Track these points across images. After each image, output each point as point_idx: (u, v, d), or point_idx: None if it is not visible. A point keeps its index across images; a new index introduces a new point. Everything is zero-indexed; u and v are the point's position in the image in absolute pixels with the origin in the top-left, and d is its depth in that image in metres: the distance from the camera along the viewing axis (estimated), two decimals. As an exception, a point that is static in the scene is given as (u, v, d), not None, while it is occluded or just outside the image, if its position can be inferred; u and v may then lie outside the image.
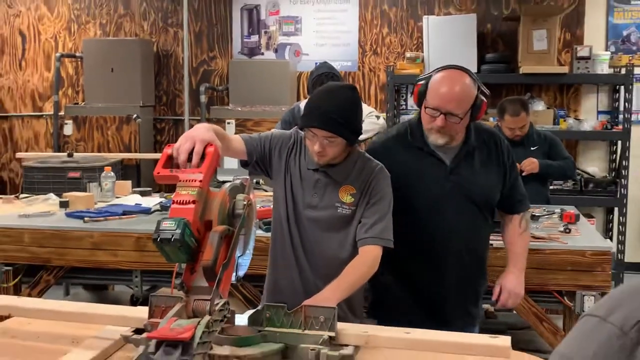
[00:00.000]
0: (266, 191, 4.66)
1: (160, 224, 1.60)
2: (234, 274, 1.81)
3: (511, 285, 2.58)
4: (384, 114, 6.30)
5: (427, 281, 2.56)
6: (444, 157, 2.50)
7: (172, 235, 1.57)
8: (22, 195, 4.60)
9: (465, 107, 2.38)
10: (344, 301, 2.29)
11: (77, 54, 7.03)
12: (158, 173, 1.82)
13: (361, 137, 4.58)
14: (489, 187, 2.55)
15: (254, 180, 4.80)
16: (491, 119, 5.70)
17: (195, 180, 1.70)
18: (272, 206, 3.54)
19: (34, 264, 3.72)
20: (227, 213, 1.73)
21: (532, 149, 4.59)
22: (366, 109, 4.63)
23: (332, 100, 2.26)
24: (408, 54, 6.49)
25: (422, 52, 6.41)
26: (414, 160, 2.51)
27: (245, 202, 1.75)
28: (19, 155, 6.85)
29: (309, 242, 2.39)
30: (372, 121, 4.57)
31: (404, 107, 6.72)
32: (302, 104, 4.58)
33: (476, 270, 2.62)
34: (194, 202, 1.65)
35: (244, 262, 1.87)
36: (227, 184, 1.79)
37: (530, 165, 4.48)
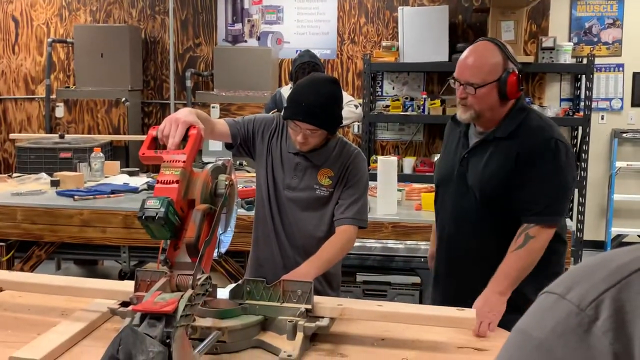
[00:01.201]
0: (249, 172, 4.65)
1: (145, 202, 1.58)
2: (216, 250, 1.80)
3: (475, 307, 2.01)
4: (361, 100, 6.28)
5: (437, 255, 2.43)
6: (472, 142, 2.28)
7: (156, 214, 1.56)
8: (15, 175, 4.55)
9: (483, 77, 2.13)
10: (322, 276, 2.30)
11: (68, 40, 6.92)
12: (143, 154, 1.80)
13: None
14: (487, 179, 2.19)
15: (238, 162, 4.78)
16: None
17: (178, 161, 1.69)
18: (253, 186, 3.54)
19: (26, 240, 3.70)
20: (209, 192, 1.71)
21: None
22: (346, 97, 4.60)
23: (315, 94, 2.24)
24: (384, 43, 6.47)
25: (397, 41, 6.39)
26: (455, 139, 2.36)
27: (227, 182, 1.74)
28: (12, 136, 6.77)
29: (288, 221, 2.39)
30: (351, 110, 4.53)
31: (379, 93, 6.71)
32: (283, 89, 4.56)
33: (466, 262, 2.29)
34: (177, 181, 1.64)
35: (225, 239, 1.86)
36: (210, 165, 1.77)
37: None
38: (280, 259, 2.40)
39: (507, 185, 2.15)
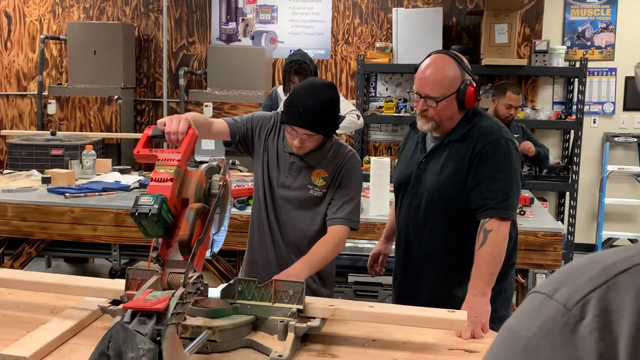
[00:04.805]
0: (241, 171, 4.65)
1: (139, 199, 1.59)
2: (210, 250, 1.82)
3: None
4: (354, 100, 6.30)
5: (396, 256, 2.54)
6: (429, 146, 2.38)
7: (150, 210, 1.56)
8: (5, 171, 4.53)
9: (443, 91, 2.22)
10: (316, 274, 2.31)
11: (61, 37, 6.90)
12: (138, 152, 1.82)
13: (338, 132, 4.55)
14: (444, 181, 2.28)
15: (230, 161, 4.78)
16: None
17: (173, 160, 1.70)
18: (245, 186, 3.55)
19: (16, 237, 3.68)
20: (203, 192, 1.72)
21: (515, 136, 4.66)
22: (348, 106, 4.57)
23: (312, 100, 2.25)
24: (378, 44, 6.48)
25: (391, 42, 6.41)
26: (413, 144, 2.46)
27: (220, 183, 1.75)
28: (3, 132, 6.73)
29: (282, 219, 2.42)
30: (353, 119, 4.46)
31: (373, 94, 6.72)
32: (279, 89, 4.56)
33: (422, 263, 2.39)
34: (171, 180, 1.65)
35: (219, 239, 1.87)
36: (204, 165, 1.78)
37: (530, 148, 4.60)
38: (274, 257, 2.43)
39: (463, 185, 2.25)
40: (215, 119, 2.37)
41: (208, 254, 1.82)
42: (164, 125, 1.91)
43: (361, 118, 4.57)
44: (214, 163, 1.83)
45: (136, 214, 1.56)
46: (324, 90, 2.31)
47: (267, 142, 2.43)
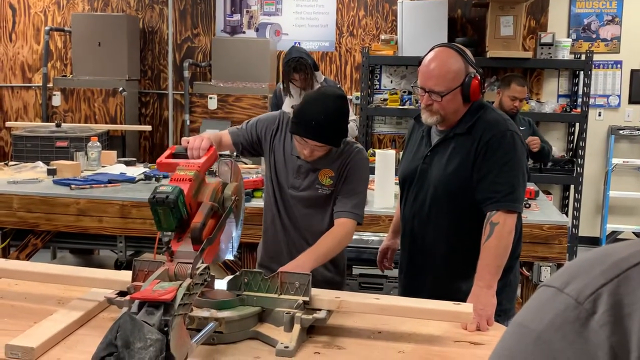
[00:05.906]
0: (246, 164, 4.65)
1: (158, 187, 1.66)
2: (232, 250, 1.94)
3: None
4: (359, 93, 6.29)
5: (401, 250, 2.54)
6: (434, 140, 2.37)
7: (167, 196, 1.61)
8: (11, 163, 4.54)
9: (447, 85, 2.21)
10: (330, 262, 2.37)
11: (66, 28, 6.90)
12: (160, 161, 1.96)
13: None
14: (450, 174, 2.27)
15: (234, 154, 4.78)
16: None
17: (194, 165, 1.79)
18: (250, 178, 3.59)
19: (22, 229, 3.69)
20: (218, 200, 1.80)
21: (521, 128, 4.65)
22: (350, 113, 4.57)
23: (324, 113, 2.26)
24: (383, 36, 6.46)
25: (396, 34, 6.39)
26: (417, 138, 2.45)
27: (233, 198, 1.83)
28: (8, 124, 6.74)
29: (293, 216, 2.47)
30: (351, 126, 4.46)
31: (377, 86, 6.71)
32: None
33: (427, 257, 2.39)
34: (190, 180, 1.71)
35: (236, 238, 1.97)
36: (219, 179, 1.87)
37: (536, 143, 4.59)
38: (288, 251, 2.46)
39: (469, 178, 2.24)
40: (222, 132, 2.46)
41: (230, 255, 1.95)
42: (188, 143, 2.02)
43: (357, 129, 4.61)
44: (228, 175, 1.92)
45: (154, 199, 1.61)
46: (335, 101, 2.32)
47: (274, 144, 2.47)
